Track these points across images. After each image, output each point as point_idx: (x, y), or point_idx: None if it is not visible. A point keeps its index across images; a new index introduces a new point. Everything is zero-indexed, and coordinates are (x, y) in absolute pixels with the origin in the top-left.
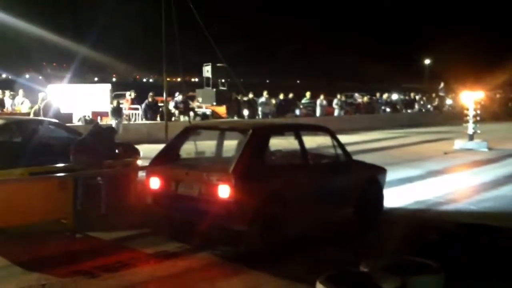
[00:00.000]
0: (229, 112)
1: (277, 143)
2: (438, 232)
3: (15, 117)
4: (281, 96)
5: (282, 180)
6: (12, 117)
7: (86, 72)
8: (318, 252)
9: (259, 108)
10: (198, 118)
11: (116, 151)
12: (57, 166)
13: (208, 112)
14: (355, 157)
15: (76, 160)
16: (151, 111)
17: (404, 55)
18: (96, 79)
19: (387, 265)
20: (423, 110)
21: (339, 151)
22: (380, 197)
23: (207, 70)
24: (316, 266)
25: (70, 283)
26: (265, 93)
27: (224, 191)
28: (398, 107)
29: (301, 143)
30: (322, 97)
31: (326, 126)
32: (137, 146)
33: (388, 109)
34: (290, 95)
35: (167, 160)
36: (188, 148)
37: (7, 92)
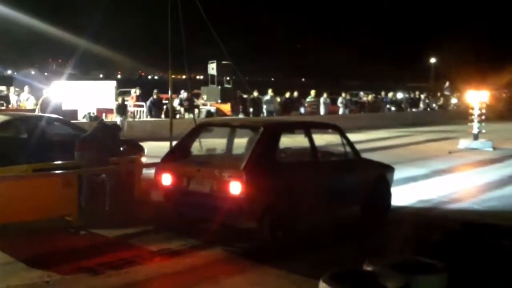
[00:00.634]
0: (234, 110)
1: (285, 141)
2: (442, 231)
3: (19, 114)
4: (287, 95)
5: (293, 177)
6: (17, 114)
7: (91, 69)
8: (322, 250)
9: (264, 106)
10: (202, 116)
11: (121, 148)
12: (62, 162)
13: (212, 109)
14: None
15: (80, 157)
16: (156, 108)
17: (410, 54)
18: (101, 76)
19: (391, 264)
20: (428, 109)
21: (348, 149)
22: (388, 196)
23: (212, 68)
24: (320, 264)
25: (74, 280)
26: (269, 91)
27: (235, 187)
28: (403, 106)
29: (311, 140)
30: (325, 95)
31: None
32: (141, 143)
33: (393, 108)
34: (295, 94)
35: (178, 156)
36: (198, 145)
37: (12, 89)
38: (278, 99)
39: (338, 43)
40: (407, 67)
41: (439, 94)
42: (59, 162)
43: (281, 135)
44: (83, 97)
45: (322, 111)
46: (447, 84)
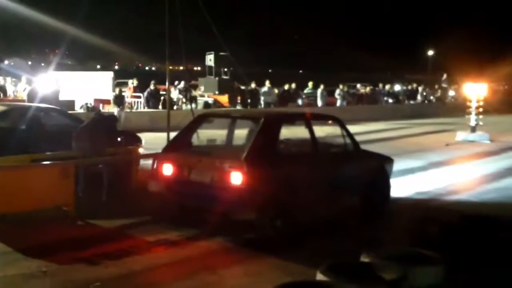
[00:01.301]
0: (231, 101)
1: (284, 132)
2: (439, 223)
3: (16, 104)
4: (286, 87)
5: (293, 168)
6: (14, 104)
7: (89, 60)
8: (320, 241)
9: (262, 98)
10: (199, 107)
11: (118, 139)
12: (59, 153)
13: (210, 101)
14: None
15: (77, 147)
16: (153, 99)
17: (408, 46)
18: (98, 66)
19: (388, 255)
20: (426, 102)
21: (348, 140)
22: (387, 187)
23: (209, 59)
24: (318, 255)
25: (71, 270)
26: (267, 83)
27: (236, 178)
28: (400, 98)
29: (311, 132)
30: (322, 87)
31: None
32: (139, 134)
33: (390, 100)
34: (293, 85)
35: (179, 147)
36: (199, 136)
37: (9, 79)
38: (276, 91)
39: (336, 34)
40: (404, 59)
41: (436, 86)
42: (57, 152)
43: (281, 126)
44: (80, 87)
45: (319, 103)
46: (444, 76)
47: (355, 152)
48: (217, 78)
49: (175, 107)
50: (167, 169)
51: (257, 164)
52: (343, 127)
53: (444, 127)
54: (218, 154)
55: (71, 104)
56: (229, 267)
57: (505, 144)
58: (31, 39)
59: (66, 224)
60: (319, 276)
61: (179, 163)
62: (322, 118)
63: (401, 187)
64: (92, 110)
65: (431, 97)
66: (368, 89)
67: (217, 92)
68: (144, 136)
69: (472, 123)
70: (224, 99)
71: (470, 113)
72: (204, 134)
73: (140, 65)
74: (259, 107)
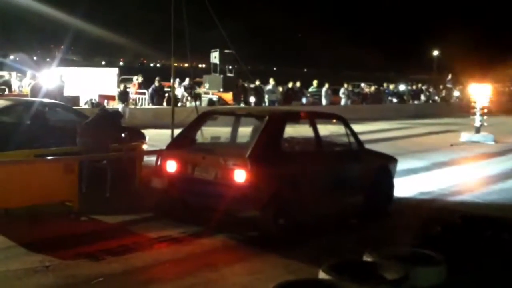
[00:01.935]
0: (236, 99)
1: (288, 130)
2: (442, 224)
3: (22, 99)
4: (290, 85)
5: (297, 166)
6: (19, 99)
7: (94, 56)
8: (323, 240)
9: (266, 96)
10: (204, 105)
11: (122, 135)
12: (63, 148)
13: (214, 98)
14: None
15: (81, 143)
16: (158, 96)
17: (413, 45)
18: (103, 62)
19: (390, 255)
20: (430, 102)
21: (352, 139)
22: (391, 187)
23: (214, 56)
24: (321, 254)
25: (74, 265)
26: (271, 81)
27: (240, 175)
28: (405, 97)
29: (315, 130)
30: (327, 85)
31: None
32: (143, 131)
33: (394, 100)
34: (297, 84)
35: (183, 144)
36: (203, 133)
37: (14, 74)
38: (280, 89)
39: (340, 33)
40: (409, 58)
41: (441, 86)
42: (61, 147)
43: (286, 125)
44: (85, 83)
45: (324, 101)
46: (449, 76)
47: (359, 151)
48: (221, 76)
49: (179, 104)
50: (171, 166)
51: (261, 162)
52: (347, 126)
53: (448, 127)
54: (222, 152)
55: (75, 99)
56: (231, 264)
57: (510, 145)
58: (36, 34)
59: (69, 219)
60: (322, 275)
61: (182, 160)
62: (326, 117)
63: (404, 187)
64: (97, 106)
65: (436, 97)
66: (372, 88)
67: (221, 90)
68: (148, 133)
69: (477, 123)
70: (228, 96)
71: (474, 114)
72: (208, 131)
73: (145, 61)
74: (263, 105)
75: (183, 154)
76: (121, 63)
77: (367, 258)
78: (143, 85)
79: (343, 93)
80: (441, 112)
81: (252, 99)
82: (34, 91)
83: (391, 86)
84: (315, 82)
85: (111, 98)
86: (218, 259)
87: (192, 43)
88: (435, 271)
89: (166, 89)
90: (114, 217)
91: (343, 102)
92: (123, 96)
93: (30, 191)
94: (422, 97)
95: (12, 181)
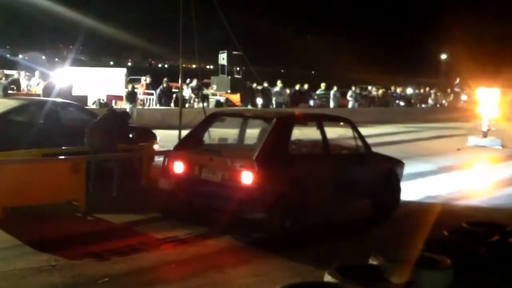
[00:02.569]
0: (243, 100)
1: (296, 133)
2: (449, 228)
3: (34, 98)
4: (297, 87)
5: (304, 169)
6: (32, 98)
7: (102, 56)
8: (329, 243)
9: (273, 98)
10: (211, 106)
11: (130, 135)
12: (70, 148)
13: (222, 99)
14: None
15: (89, 143)
16: (166, 96)
17: (421, 49)
18: (111, 63)
19: (396, 258)
20: (438, 105)
21: (360, 142)
22: (397, 190)
23: (222, 58)
24: (326, 257)
25: (80, 265)
26: (279, 83)
27: (247, 177)
28: (412, 101)
29: (323, 133)
30: (335, 88)
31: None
32: None
33: (402, 103)
34: (305, 86)
35: (191, 145)
36: (211, 134)
37: (23, 73)
38: (288, 91)
39: (349, 36)
40: (417, 62)
41: (449, 90)
42: (68, 147)
43: (293, 127)
44: (93, 83)
45: (331, 104)
46: (457, 80)
47: (366, 154)
48: (229, 77)
49: (187, 105)
50: (178, 167)
51: (268, 164)
52: (354, 129)
53: (455, 131)
54: (229, 153)
55: (84, 99)
56: (237, 266)
57: None
58: (45, 33)
59: (76, 219)
60: (327, 278)
61: (190, 161)
62: (334, 120)
63: (411, 191)
64: (105, 106)
65: (443, 101)
66: (380, 91)
67: (229, 91)
68: (156, 133)
69: (484, 128)
70: (236, 98)
71: (482, 118)
72: (216, 133)
73: (153, 62)
74: (271, 107)
75: (190, 155)
76: (129, 64)
77: (373, 262)
78: (151, 85)
79: (351, 96)
80: (449, 116)
81: (259, 101)
82: (47, 91)
83: (399, 90)
84: (323, 85)
85: (119, 98)
86: (224, 261)
87: (200, 44)
88: (441, 276)
89: (174, 90)
90: (120, 217)
91: (350, 105)
92: (131, 97)
93: (37, 190)
94: (430, 101)
95: (19, 181)
